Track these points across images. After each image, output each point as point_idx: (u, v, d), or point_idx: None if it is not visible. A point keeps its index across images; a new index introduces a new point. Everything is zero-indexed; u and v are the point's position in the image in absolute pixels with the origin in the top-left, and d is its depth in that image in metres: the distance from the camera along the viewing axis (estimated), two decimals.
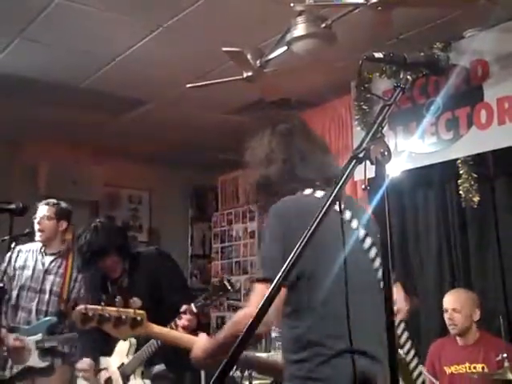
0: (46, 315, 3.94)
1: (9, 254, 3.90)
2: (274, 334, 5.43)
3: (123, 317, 1.97)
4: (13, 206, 3.05)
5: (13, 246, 3.35)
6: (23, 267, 4.00)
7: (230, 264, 6.37)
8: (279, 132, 2.04)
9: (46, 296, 3.96)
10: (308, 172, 1.96)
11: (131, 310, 1.98)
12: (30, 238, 4.00)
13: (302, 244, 1.23)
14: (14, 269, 4.00)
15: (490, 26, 3.83)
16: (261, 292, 1.71)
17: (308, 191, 1.93)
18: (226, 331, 1.82)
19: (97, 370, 3.46)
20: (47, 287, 3.97)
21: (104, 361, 3.41)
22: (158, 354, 3.22)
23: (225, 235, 6.50)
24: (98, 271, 3.47)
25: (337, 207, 1.86)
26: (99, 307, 2.00)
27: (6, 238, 3.49)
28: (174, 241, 6.71)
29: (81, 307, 2.04)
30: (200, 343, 1.96)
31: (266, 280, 1.70)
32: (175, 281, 3.39)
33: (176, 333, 2.10)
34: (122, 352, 3.32)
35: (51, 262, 4.04)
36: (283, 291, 1.69)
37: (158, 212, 6.99)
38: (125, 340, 3.12)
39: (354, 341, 1.71)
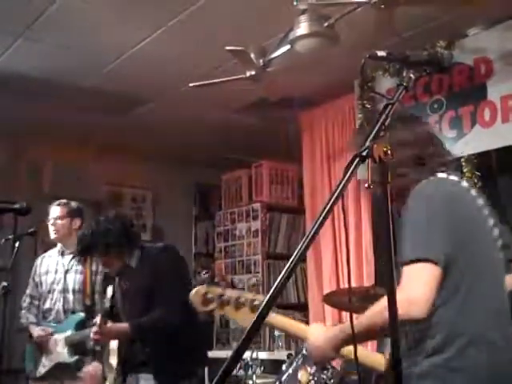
0: (73, 314, 4.04)
1: (35, 262, 4.23)
2: (277, 333, 5.42)
3: (242, 299, 1.87)
4: (17, 206, 3.06)
5: (17, 245, 3.37)
6: (46, 272, 4.18)
7: (233, 263, 6.36)
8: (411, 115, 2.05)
9: (70, 295, 4.06)
10: (438, 153, 1.95)
11: (250, 294, 1.91)
12: (33, 237, 4.04)
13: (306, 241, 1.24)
14: (40, 275, 4.19)
15: (494, 24, 3.82)
16: (417, 273, 1.63)
17: (442, 175, 1.89)
18: (369, 318, 1.69)
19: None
20: (70, 286, 4.07)
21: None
22: (147, 365, 3.21)
23: (228, 234, 6.49)
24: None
25: (473, 192, 1.93)
26: (219, 288, 1.91)
27: (10, 237, 3.52)
28: (178, 239, 6.67)
29: (201, 288, 1.92)
30: (317, 333, 1.85)
31: (424, 260, 1.64)
32: (174, 276, 3.35)
33: (292, 321, 1.94)
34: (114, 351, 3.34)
35: (70, 260, 4.13)
36: (441, 273, 1.66)
37: (162, 211, 6.98)
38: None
39: (499, 327, 1.71)
